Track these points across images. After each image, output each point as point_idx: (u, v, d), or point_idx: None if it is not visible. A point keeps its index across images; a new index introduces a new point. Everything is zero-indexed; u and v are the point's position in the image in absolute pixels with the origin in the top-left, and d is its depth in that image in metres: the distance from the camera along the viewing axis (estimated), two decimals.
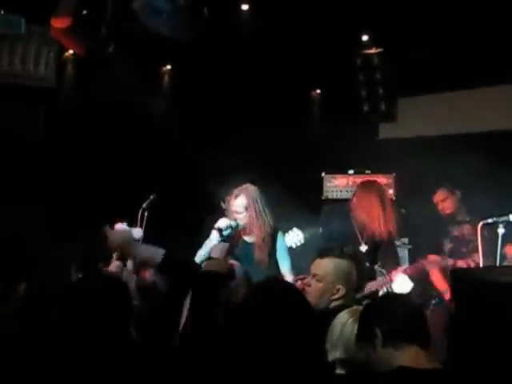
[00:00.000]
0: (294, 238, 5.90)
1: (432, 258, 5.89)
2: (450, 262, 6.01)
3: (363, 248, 5.52)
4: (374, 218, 5.47)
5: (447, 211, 6.28)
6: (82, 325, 2.47)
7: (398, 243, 6.80)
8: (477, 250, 4.93)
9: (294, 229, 5.94)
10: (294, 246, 5.81)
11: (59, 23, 6.03)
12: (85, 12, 6.11)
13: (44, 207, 6.84)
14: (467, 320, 2.28)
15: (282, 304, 2.37)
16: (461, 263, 5.81)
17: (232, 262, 4.24)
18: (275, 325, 2.29)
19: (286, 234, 5.77)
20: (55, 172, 7.20)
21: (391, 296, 2.70)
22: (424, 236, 6.58)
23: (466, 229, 5.57)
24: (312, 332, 2.37)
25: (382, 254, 5.55)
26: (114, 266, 4.30)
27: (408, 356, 2.52)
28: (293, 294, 2.51)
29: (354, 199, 5.70)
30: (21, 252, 4.72)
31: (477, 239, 4.72)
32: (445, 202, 6.26)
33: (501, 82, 7.99)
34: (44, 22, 6.23)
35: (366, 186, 5.88)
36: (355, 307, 3.14)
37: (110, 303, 2.52)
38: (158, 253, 3.27)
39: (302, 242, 5.87)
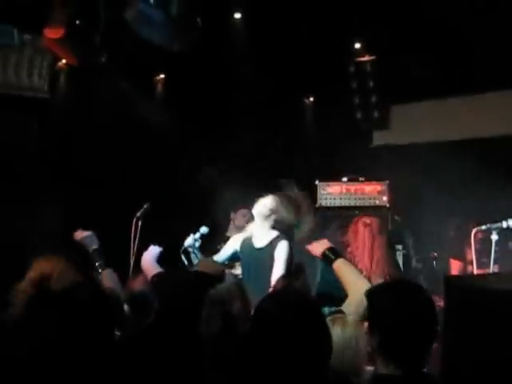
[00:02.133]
0: None
1: None
2: (470, 269, 6.02)
3: None
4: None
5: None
6: (66, 335, 2.46)
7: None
8: (497, 261, 4.92)
9: None
10: None
11: (52, 33, 6.04)
12: (78, 22, 6.12)
13: (38, 214, 6.83)
14: (460, 327, 2.29)
15: (294, 314, 2.35)
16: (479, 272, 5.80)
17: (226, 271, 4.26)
18: (286, 334, 2.27)
19: None
20: (49, 182, 7.19)
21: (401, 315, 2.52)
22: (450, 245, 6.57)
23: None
24: (321, 342, 2.35)
25: None
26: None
27: (388, 369, 2.52)
28: (306, 304, 2.48)
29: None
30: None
31: (498, 250, 4.71)
32: None
33: (494, 88, 8.02)
34: (37, 32, 6.24)
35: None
36: (338, 315, 3.17)
37: (94, 315, 2.52)
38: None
39: None
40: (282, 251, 5.07)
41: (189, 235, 5.33)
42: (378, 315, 2.59)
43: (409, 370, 2.45)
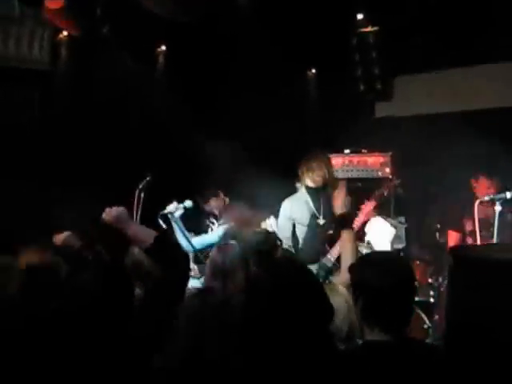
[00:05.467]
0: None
1: None
2: (470, 241, 6.02)
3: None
4: None
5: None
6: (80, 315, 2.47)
7: (394, 222, 6.82)
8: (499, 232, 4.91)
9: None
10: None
11: (53, 4, 6.01)
12: None
13: (41, 187, 6.83)
14: (466, 297, 2.30)
15: (292, 283, 2.38)
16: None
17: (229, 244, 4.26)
18: (284, 304, 2.30)
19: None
20: (51, 154, 7.19)
21: (385, 273, 2.57)
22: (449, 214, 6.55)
23: (491, 211, 5.47)
24: (322, 312, 2.38)
25: None
26: None
27: (374, 335, 2.58)
28: (305, 274, 2.51)
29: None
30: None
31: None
32: (489, 189, 6.09)
33: (498, 59, 7.97)
34: (38, 3, 6.20)
35: None
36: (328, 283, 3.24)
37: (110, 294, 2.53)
38: (150, 235, 3.13)
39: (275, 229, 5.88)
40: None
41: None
42: (359, 284, 2.67)
43: (393, 334, 2.56)
